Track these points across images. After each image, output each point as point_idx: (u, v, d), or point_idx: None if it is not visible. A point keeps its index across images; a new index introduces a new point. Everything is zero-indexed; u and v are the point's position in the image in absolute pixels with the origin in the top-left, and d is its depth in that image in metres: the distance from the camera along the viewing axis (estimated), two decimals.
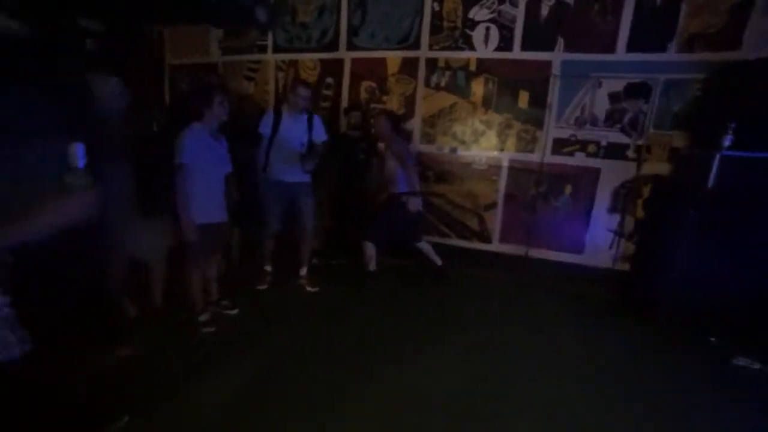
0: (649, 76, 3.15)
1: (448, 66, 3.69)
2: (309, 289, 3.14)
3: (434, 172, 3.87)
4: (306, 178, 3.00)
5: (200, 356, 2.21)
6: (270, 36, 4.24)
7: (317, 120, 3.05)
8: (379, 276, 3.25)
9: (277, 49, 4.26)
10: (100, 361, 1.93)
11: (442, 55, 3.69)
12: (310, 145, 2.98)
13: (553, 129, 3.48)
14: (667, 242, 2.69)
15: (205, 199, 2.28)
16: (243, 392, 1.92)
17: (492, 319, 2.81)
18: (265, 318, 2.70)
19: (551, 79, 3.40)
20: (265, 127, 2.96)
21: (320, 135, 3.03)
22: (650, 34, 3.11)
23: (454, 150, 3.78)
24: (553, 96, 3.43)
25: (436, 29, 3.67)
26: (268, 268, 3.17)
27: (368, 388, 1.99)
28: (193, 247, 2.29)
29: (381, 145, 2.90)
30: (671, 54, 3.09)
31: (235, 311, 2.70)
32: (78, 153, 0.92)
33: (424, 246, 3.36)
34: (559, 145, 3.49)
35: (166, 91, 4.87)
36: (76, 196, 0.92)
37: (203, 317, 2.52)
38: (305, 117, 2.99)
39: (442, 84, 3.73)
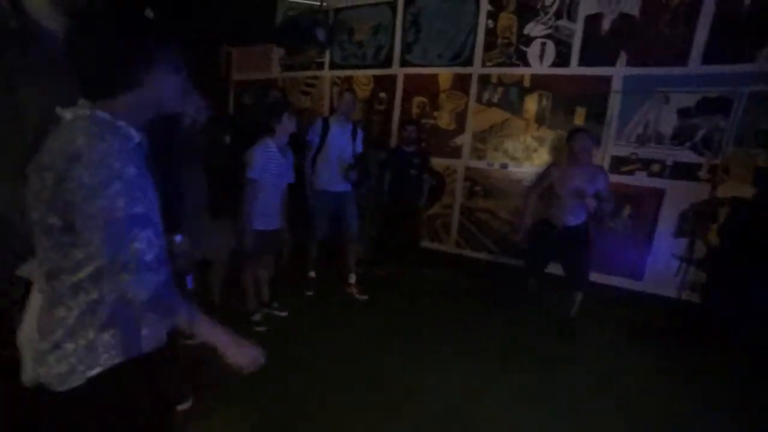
0: (730, 90, 2.88)
1: (501, 82, 3.67)
2: (358, 297, 3.21)
3: (483, 187, 3.83)
4: (350, 188, 3.12)
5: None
6: (327, 54, 4.48)
7: (359, 132, 3.20)
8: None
9: (333, 66, 4.49)
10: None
11: (495, 71, 3.68)
12: (356, 156, 3.11)
13: (612, 147, 3.32)
14: (749, 271, 2.44)
15: (266, 208, 2.46)
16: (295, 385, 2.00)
17: (542, 346, 2.71)
18: (315, 322, 2.80)
19: (611, 95, 3.27)
20: (314, 134, 3.10)
21: (358, 147, 3.18)
22: (734, 42, 2.82)
23: (504, 166, 3.72)
24: (613, 112, 3.28)
25: (490, 46, 3.68)
26: (312, 274, 3.28)
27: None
28: (250, 252, 2.46)
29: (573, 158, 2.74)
30: (763, 64, 2.76)
31: (284, 313, 2.83)
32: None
33: (579, 296, 2.77)
34: (618, 164, 3.31)
35: (230, 104, 5.30)
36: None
37: (256, 317, 2.67)
38: (351, 127, 3.12)
39: (495, 100, 3.71)
